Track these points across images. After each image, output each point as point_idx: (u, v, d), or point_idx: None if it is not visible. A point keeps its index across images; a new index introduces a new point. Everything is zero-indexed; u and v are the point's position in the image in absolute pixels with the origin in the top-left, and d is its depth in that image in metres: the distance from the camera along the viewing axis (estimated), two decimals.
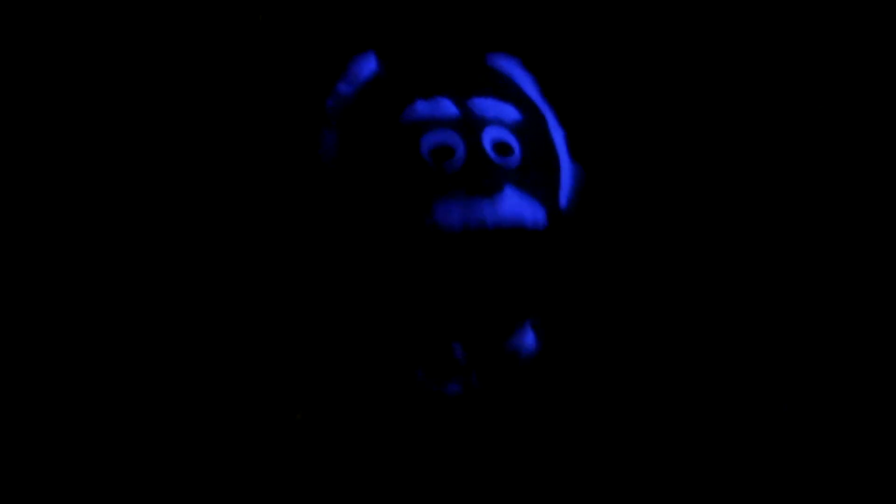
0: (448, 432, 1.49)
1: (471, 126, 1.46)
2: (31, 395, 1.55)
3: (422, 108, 1.47)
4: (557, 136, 1.56)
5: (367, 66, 1.55)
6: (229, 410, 1.54)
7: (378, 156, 1.47)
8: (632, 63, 1.72)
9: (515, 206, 1.43)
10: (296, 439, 1.50)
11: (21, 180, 1.62)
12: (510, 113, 1.50)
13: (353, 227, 1.48)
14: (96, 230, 1.62)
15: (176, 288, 1.60)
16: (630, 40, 1.73)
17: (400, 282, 1.46)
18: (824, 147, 1.71)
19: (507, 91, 1.54)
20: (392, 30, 1.65)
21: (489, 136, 1.46)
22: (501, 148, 1.47)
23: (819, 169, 1.71)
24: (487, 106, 1.49)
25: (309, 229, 1.55)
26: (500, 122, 1.48)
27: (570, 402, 1.56)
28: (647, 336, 1.64)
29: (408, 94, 1.49)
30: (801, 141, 1.72)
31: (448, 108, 1.47)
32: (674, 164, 1.71)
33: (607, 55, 1.72)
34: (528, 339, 1.51)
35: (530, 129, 1.51)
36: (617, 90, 1.72)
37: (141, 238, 1.62)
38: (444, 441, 1.49)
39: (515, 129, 1.49)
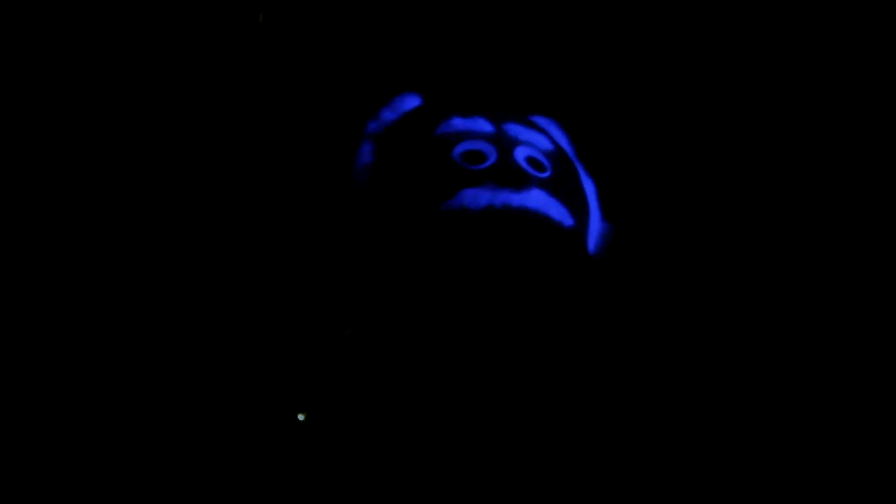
0: (441, 434, 1.49)
1: (504, 141, 1.45)
2: (31, 395, 1.54)
3: (458, 122, 1.47)
4: (588, 186, 1.56)
5: (411, 100, 1.57)
6: (229, 409, 1.53)
7: (410, 161, 1.46)
8: (664, 131, 1.73)
9: (542, 201, 1.42)
10: (295, 437, 1.50)
11: (21, 180, 1.61)
12: (544, 141, 1.50)
13: (380, 227, 1.48)
14: (96, 230, 1.62)
15: (194, 286, 1.60)
16: (665, 110, 1.74)
17: (422, 273, 1.46)
18: (824, 148, 1.72)
19: (541, 131, 1.55)
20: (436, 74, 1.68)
21: (522, 153, 1.46)
22: (533, 163, 1.46)
23: (819, 170, 1.71)
24: (522, 131, 1.49)
25: (335, 234, 1.56)
26: (533, 146, 1.48)
27: (573, 401, 1.56)
28: (647, 337, 1.64)
29: (446, 112, 1.49)
30: (804, 147, 1.73)
31: (484, 125, 1.47)
32: (698, 224, 1.72)
33: (641, 123, 1.73)
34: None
35: (562, 162, 1.51)
36: (648, 158, 1.73)
37: (141, 237, 1.62)
38: (438, 443, 1.49)
39: (548, 154, 1.49)
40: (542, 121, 1.60)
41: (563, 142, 1.58)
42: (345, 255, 1.55)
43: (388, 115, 1.54)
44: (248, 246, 1.61)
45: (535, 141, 1.48)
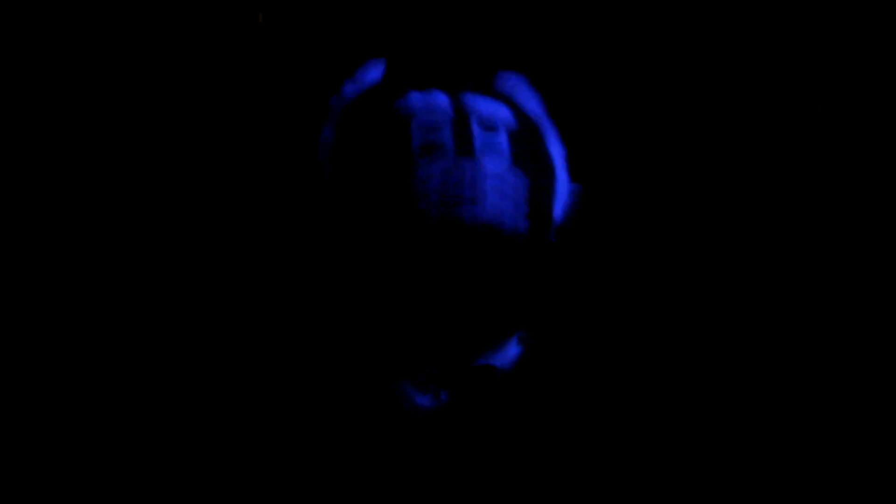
0: (427, 443, 1.49)
1: (462, 117, 1.46)
2: (31, 395, 1.56)
3: (414, 99, 1.47)
4: (556, 151, 1.55)
5: (375, 70, 1.56)
6: (217, 411, 1.54)
7: (367, 141, 1.47)
8: (642, 82, 1.72)
9: (496, 208, 1.42)
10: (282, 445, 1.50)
11: (21, 180, 1.63)
12: (505, 114, 1.49)
13: (343, 219, 1.49)
14: (96, 230, 1.63)
15: (169, 281, 1.61)
16: (642, 60, 1.73)
17: (381, 275, 1.46)
18: (824, 148, 1.71)
19: (501, 99, 1.54)
20: (401, 39, 1.67)
21: (477, 116, 1.46)
22: (488, 122, 1.47)
23: (819, 170, 1.71)
24: (482, 103, 1.48)
25: (302, 228, 1.56)
26: (492, 118, 1.47)
27: (566, 404, 1.56)
28: (644, 339, 1.64)
29: (404, 86, 1.49)
30: (803, 145, 1.72)
31: (441, 100, 1.47)
32: (678, 185, 1.70)
33: (618, 74, 1.72)
34: (509, 353, 1.51)
35: (524, 134, 1.50)
36: (626, 109, 1.71)
37: (140, 235, 1.63)
38: (425, 452, 1.49)
39: (509, 130, 1.48)
40: (510, 79, 1.57)
41: (532, 102, 1.56)
42: (312, 239, 1.55)
43: (351, 88, 1.54)
44: (241, 243, 1.62)
45: (496, 113, 1.48)
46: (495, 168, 1.43)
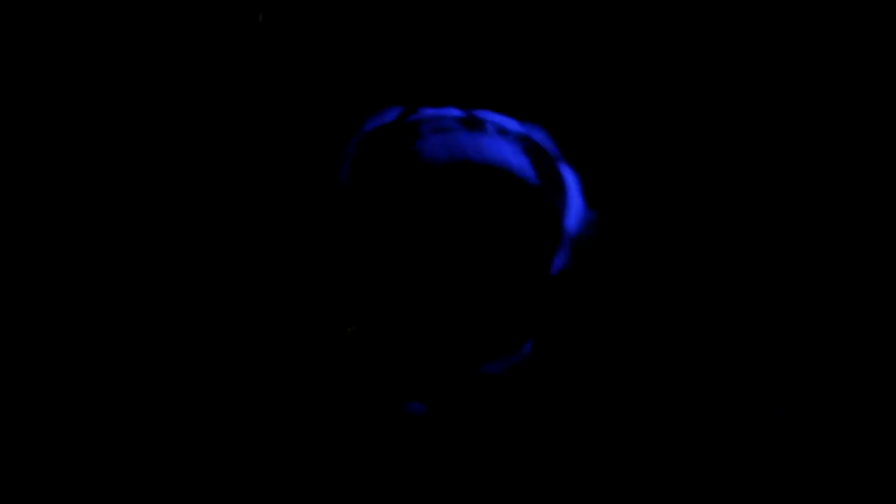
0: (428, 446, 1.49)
1: (473, 117, 1.47)
2: (31, 395, 1.55)
3: (428, 113, 1.49)
4: (571, 178, 1.55)
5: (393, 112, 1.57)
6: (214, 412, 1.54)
7: (382, 153, 1.47)
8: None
9: (501, 150, 1.44)
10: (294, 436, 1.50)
11: (21, 180, 1.62)
12: (513, 125, 1.51)
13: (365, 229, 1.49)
14: (96, 230, 1.62)
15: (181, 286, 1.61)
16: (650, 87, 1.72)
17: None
18: (825, 149, 1.72)
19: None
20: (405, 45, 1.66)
21: (489, 123, 1.48)
22: (500, 128, 1.48)
23: (819, 171, 1.71)
24: (492, 115, 1.50)
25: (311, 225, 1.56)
26: (503, 130, 1.49)
27: (568, 404, 1.56)
28: (644, 340, 1.64)
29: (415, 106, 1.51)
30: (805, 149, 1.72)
31: (452, 112, 1.49)
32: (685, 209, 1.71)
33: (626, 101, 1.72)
34: (510, 360, 1.51)
35: (533, 152, 1.51)
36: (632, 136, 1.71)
37: (139, 235, 1.62)
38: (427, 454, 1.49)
39: (518, 138, 1.49)
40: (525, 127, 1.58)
41: (548, 144, 1.57)
42: (333, 252, 1.56)
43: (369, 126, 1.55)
44: (243, 243, 1.62)
45: (503, 122, 1.50)
46: (505, 146, 1.44)
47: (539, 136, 1.58)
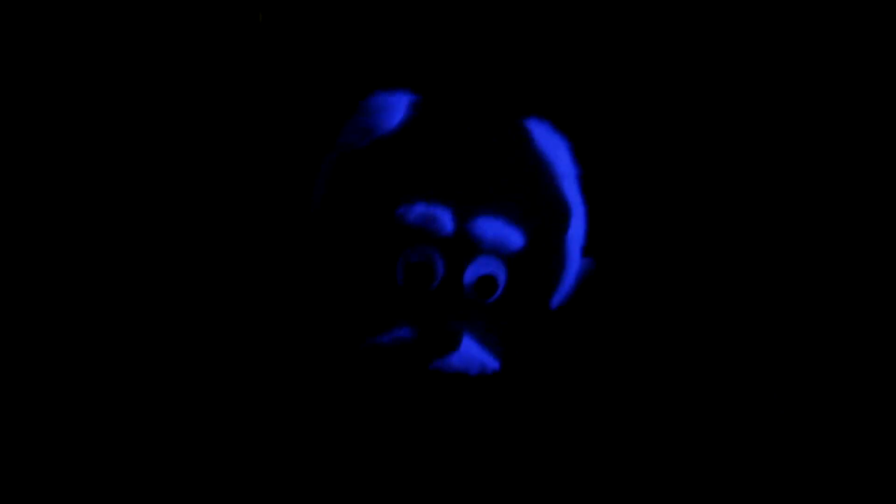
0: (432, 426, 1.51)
1: (460, 252, 1.40)
2: (31, 395, 1.58)
3: (417, 213, 1.41)
4: (576, 235, 1.50)
5: (392, 115, 1.47)
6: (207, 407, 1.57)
7: (356, 246, 1.44)
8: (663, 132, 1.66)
9: (464, 360, 1.42)
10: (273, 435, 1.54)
11: (21, 180, 1.63)
12: (513, 241, 1.42)
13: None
14: (96, 230, 1.64)
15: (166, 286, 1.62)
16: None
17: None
18: (825, 150, 1.69)
19: (526, 195, 1.44)
20: (423, 70, 1.56)
21: (474, 271, 1.41)
22: (484, 285, 1.42)
23: (820, 171, 1.69)
24: (488, 231, 1.41)
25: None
26: (495, 252, 1.42)
27: (562, 398, 1.57)
28: (640, 333, 1.64)
29: (413, 183, 1.42)
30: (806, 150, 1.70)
31: (444, 225, 1.40)
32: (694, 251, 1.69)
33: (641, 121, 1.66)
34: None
35: (533, 253, 1.44)
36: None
37: (139, 234, 1.63)
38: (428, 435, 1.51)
39: (511, 259, 1.43)
40: (550, 142, 1.48)
41: (566, 175, 1.50)
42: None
43: (354, 138, 1.47)
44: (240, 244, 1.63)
45: (502, 241, 1.42)
46: (463, 355, 1.42)
47: (562, 160, 1.51)
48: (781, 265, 1.67)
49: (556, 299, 1.52)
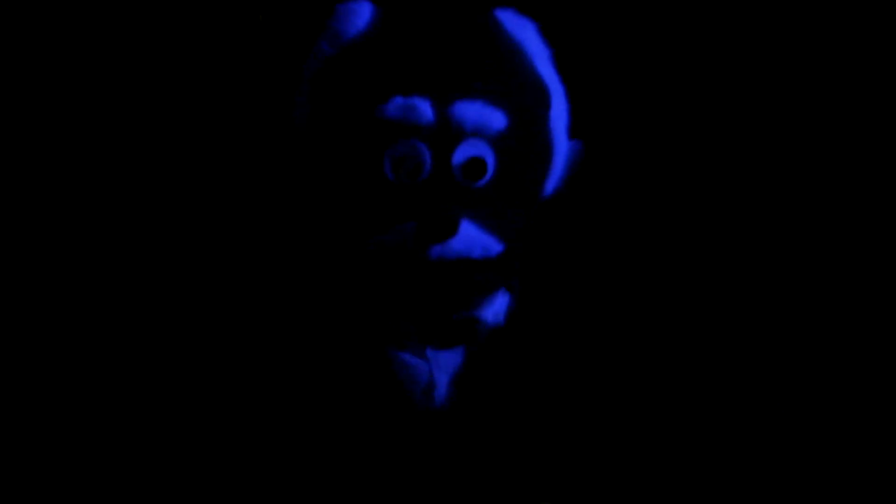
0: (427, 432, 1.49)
1: (444, 139, 1.41)
2: (31, 395, 1.57)
3: (396, 107, 1.41)
4: (559, 116, 1.50)
5: (356, 19, 1.48)
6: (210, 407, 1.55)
7: (343, 153, 1.44)
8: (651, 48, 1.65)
9: (465, 242, 1.42)
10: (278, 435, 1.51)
11: (21, 180, 1.63)
12: (495, 121, 1.43)
13: (310, 217, 1.49)
14: (96, 230, 1.64)
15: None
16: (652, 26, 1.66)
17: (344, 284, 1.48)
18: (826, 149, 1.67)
19: (503, 77, 1.45)
20: None
21: (462, 154, 1.42)
22: (472, 167, 1.42)
23: (820, 171, 1.67)
24: (469, 114, 1.41)
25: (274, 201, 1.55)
26: (479, 135, 1.42)
27: (539, 385, 1.54)
28: (638, 326, 1.61)
29: (387, 80, 1.42)
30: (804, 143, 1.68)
31: (423, 114, 1.41)
32: (677, 155, 1.66)
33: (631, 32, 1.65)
34: (496, 306, 1.50)
35: (517, 132, 1.45)
36: (635, 68, 1.64)
37: (140, 234, 1.63)
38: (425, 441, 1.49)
39: (497, 140, 1.43)
40: (516, 25, 1.49)
41: (537, 54, 1.49)
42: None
43: (327, 50, 1.48)
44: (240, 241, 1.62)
45: (485, 122, 1.42)
46: (464, 237, 1.41)
47: (533, 43, 1.50)
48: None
49: (550, 185, 1.51)
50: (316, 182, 1.48)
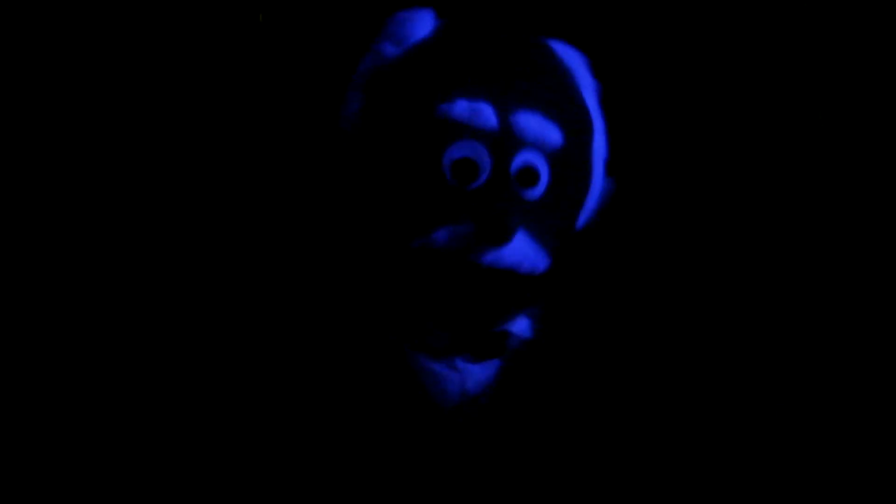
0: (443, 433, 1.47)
1: (505, 145, 1.40)
2: (31, 395, 1.56)
3: (461, 109, 1.40)
4: (599, 149, 1.52)
5: (421, 26, 1.48)
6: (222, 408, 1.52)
7: (399, 150, 1.43)
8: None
9: (518, 254, 1.41)
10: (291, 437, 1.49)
11: (21, 180, 1.61)
12: (552, 137, 1.43)
13: (357, 215, 1.47)
14: (96, 230, 1.62)
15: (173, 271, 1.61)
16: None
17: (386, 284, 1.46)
18: (826, 150, 1.71)
19: (558, 98, 1.46)
20: None
21: (520, 160, 1.41)
22: (528, 175, 1.42)
23: (820, 171, 1.71)
24: (530, 125, 1.42)
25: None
26: (537, 147, 1.42)
27: (566, 399, 1.54)
28: (647, 333, 1.64)
29: (451, 83, 1.41)
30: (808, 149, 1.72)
31: (488, 119, 1.40)
32: (707, 202, 1.71)
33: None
34: (521, 325, 1.50)
35: (568, 153, 1.45)
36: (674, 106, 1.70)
37: (142, 234, 1.63)
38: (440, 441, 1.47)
39: (552, 155, 1.43)
40: (569, 56, 1.51)
41: (586, 88, 1.51)
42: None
43: (390, 49, 1.47)
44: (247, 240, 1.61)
45: (543, 137, 1.42)
46: (515, 248, 1.40)
47: (583, 78, 1.52)
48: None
49: (583, 217, 1.52)
50: (362, 178, 1.46)
